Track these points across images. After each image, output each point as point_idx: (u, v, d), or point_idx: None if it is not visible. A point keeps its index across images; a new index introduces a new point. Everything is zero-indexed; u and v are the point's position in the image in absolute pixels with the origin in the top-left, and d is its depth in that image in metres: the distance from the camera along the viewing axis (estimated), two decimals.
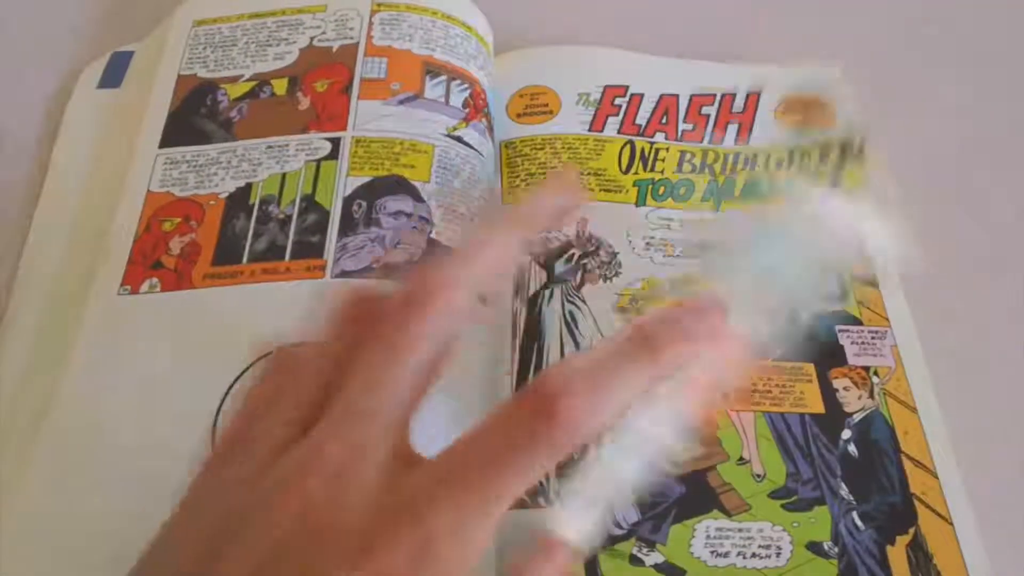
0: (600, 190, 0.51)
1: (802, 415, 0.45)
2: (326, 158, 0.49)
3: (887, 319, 0.48)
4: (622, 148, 0.53)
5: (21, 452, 0.40)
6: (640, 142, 0.53)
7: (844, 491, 0.43)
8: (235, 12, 0.56)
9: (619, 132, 0.54)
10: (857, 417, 0.45)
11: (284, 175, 0.48)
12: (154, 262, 0.46)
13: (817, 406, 0.45)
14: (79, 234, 0.48)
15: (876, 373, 0.46)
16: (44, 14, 0.60)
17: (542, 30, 0.59)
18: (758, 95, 0.56)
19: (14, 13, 0.60)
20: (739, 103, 0.56)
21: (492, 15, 0.57)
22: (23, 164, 0.52)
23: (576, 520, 0.27)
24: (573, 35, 0.58)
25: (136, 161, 0.50)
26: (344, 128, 0.50)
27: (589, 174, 0.52)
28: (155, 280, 0.45)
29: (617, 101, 0.55)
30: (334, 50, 0.53)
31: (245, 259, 0.45)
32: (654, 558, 0.40)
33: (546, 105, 0.55)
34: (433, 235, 0.46)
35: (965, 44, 0.61)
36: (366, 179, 0.48)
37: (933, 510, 0.42)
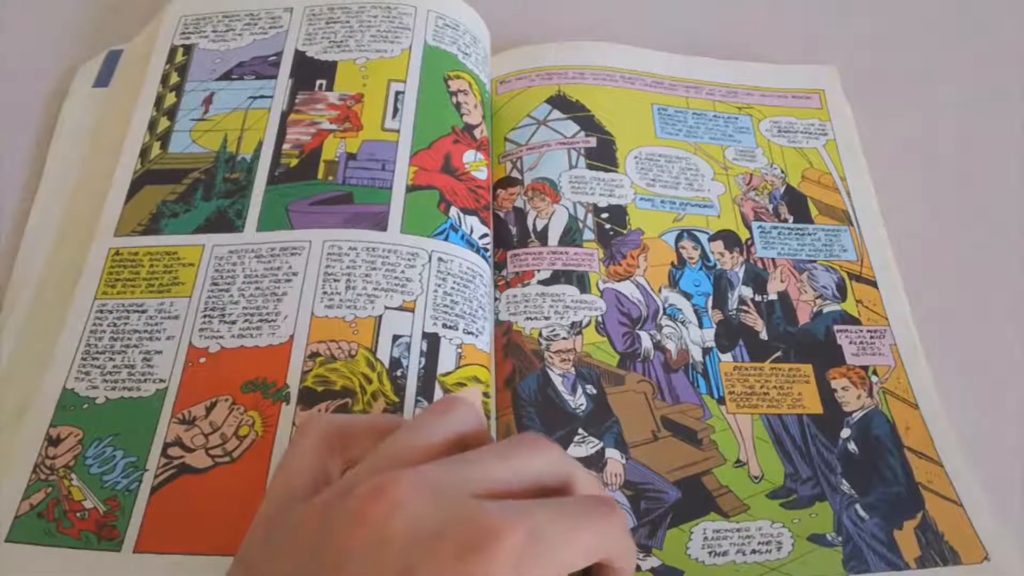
0: None
1: (800, 416, 0.44)
2: None
3: (886, 318, 0.47)
4: None
5: (2, 447, 0.41)
6: None
7: (845, 486, 0.42)
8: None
9: None
10: (856, 416, 0.44)
11: None
12: None
13: (815, 407, 0.44)
14: (66, 233, 0.48)
15: (875, 372, 0.45)
16: (42, 12, 0.59)
17: (541, 27, 0.59)
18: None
19: (11, 11, 0.59)
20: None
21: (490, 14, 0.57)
22: (20, 163, 0.52)
23: None
24: (572, 33, 0.58)
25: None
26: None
27: None
28: None
29: None
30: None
31: None
32: (650, 563, 0.39)
33: None
34: None
35: (964, 44, 0.60)
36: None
37: (941, 495, 0.42)
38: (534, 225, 0.49)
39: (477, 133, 0.51)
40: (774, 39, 0.60)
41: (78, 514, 0.38)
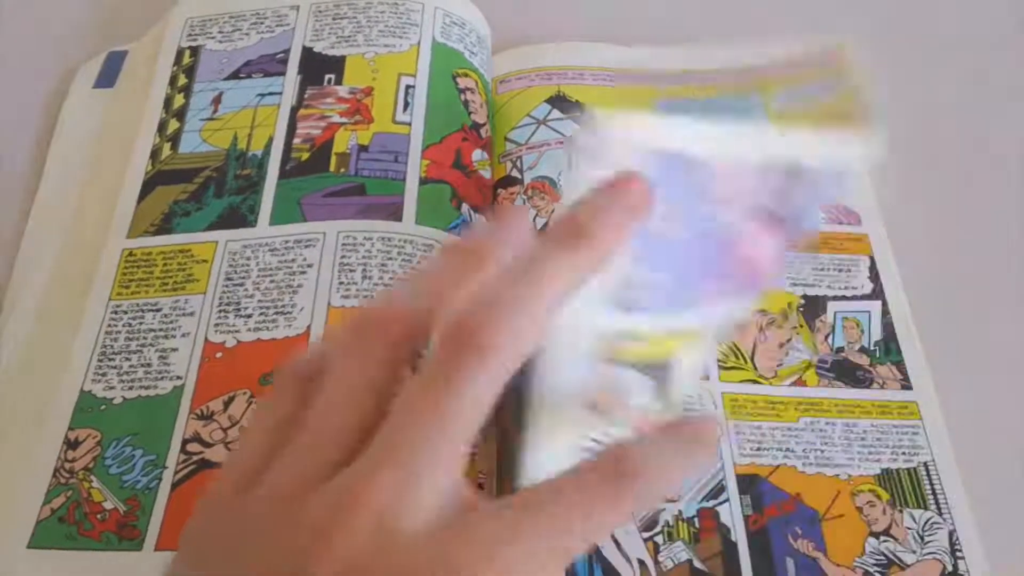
0: None
1: None
2: None
3: None
4: None
5: (19, 453, 0.40)
6: None
7: None
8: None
9: None
10: None
11: None
12: None
13: None
14: (75, 235, 0.48)
15: None
16: (42, 12, 0.59)
17: (541, 27, 0.59)
18: None
19: (11, 11, 0.59)
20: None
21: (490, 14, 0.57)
22: (20, 164, 0.51)
23: None
24: (572, 33, 0.58)
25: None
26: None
27: None
28: None
29: None
30: None
31: None
32: None
33: None
34: None
35: (965, 44, 0.61)
36: None
37: None
38: (533, 224, 0.49)
39: (483, 132, 0.51)
40: (774, 39, 0.60)
41: (99, 516, 0.38)
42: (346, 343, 0.25)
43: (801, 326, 0.45)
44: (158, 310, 0.44)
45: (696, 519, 0.39)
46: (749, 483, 0.40)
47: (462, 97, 0.51)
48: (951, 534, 0.40)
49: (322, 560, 0.21)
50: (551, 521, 0.23)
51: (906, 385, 0.44)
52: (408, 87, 0.50)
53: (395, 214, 0.46)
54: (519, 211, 0.26)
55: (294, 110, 0.50)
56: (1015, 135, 0.55)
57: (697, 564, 0.38)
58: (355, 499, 0.22)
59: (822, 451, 0.41)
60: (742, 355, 0.44)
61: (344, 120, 0.49)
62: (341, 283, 0.43)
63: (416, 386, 0.23)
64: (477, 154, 0.50)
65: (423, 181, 0.47)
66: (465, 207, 0.47)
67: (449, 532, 0.22)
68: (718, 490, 0.40)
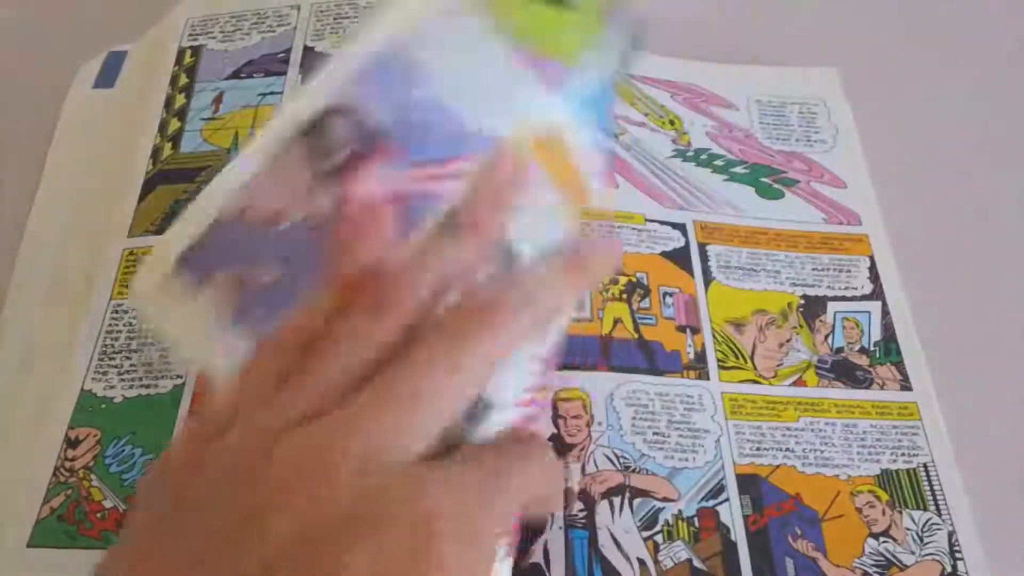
0: None
1: None
2: None
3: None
4: None
5: (20, 452, 0.41)
6: None
7: None
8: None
9: None
10: None
11: None
12: None
13: None
14: (75, 235, 0.48)
15: None
16: (42, 12, 0.60)
17: None
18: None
19: (11, 10, 0.59)
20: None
21: None
22: (19, 164, 0.51)
23: None
24: None
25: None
26: None
27: None
28: None
29: None
30: None
31: None
32: None
33: None
34: None
35: (965, 44, 0.61)
36: None
37: None
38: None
39: None
40: (773, 40, 0.60)
41: (98, 514, 0.38)
42: (359, 318, 0.25)
43: (801, 326, 0.46)
44: None
45: (696, 519, 0.39)
46: (749, 483, 0.40)
47: None
48: (950, 535, 0.40)
49: (298, 501, 0.22)
50: (504, 474, 0.25)
51: (906, 386, 0.44)
52: None
53: None
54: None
55: None
56: (1015, 135, 0.55)
57: (697, 564, 0.38)
58: (345, 439, 0.23)
59: (822, 451, 0.41)
60: (742, 355, 0.44)
61: None
62: None
63: (434, 343, 0.24)
64: None
65: None
66: None
67: (420, 478, 0.23)
68: (718, 490, 0.40)
